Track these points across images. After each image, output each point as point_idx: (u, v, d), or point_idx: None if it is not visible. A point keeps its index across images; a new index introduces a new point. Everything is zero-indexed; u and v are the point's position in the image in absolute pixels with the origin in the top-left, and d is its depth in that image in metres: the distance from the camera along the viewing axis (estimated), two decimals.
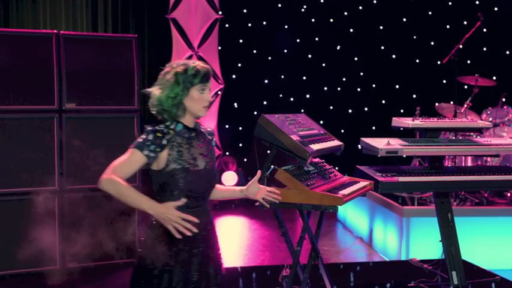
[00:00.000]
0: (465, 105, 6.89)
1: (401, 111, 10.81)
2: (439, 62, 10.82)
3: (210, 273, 2.80)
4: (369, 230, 6.80)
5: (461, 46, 10.62)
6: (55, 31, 5.62)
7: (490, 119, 6.78)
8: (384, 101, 11.00)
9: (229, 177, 8.97)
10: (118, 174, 2.62)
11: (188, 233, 2.53)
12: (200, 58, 10.18)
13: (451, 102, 7.87)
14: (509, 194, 6.41)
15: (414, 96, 10.85)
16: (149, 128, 2.72)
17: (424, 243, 5.78)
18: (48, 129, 5.53)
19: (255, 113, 11.21)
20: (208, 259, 2.81)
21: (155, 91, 2.74)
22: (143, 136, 2.70)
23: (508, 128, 6.78)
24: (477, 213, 5.91)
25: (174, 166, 2.68)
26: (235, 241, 7.22)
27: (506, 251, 5.86)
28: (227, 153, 11.13)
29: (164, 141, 2.68)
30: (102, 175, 2.63)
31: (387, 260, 6.14)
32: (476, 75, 7.06)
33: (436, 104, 7.43)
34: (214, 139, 2.97)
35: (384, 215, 6.32)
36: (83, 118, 5.67)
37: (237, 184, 8.99)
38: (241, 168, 9.21)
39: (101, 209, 5.72)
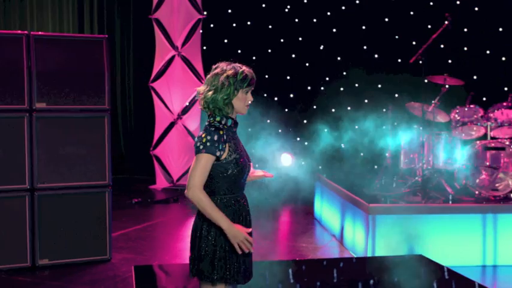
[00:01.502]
0: (433, 104, 6.97)
1: (384, 110, 10.88)
2: (420, 62, 10.91)
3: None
4: (340, 227, 6.89)
5: (442, 46, 10.75)
6: (25, 32, 5.71)
7: (458, 118, 6.86)
8: (366, 100, 11.08)
9: None
10: (201, 184, 2.96)
11: (247, 251, 2.98)
12: (183, 58, 10.29)
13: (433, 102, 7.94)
14: (476, 192, 6.49)
15: (396, 95, 10.92)
16: (212, 128, 2.99)
17: (389, 239, 5.87)
18: (18, 128, 5.61)
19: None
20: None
21: (208, 92, 3.03)
22: (208, 137, 2.97)
23: (477, 126, 6.86)
24: (444, 210, 5.99)
25: (234, 156, 3.02)
26: None
27: (472, 247, 5.94)
28: None
29: (225, 136, 2.99)
30: (189, 188, 2.95)
31: (355, 256, 6.24)
32: (445, 74, 7.14)
33: (407, 103, 7.51)
34: None
35: (352, 213, 6.41)
36: (53, 118, 5.75)
37: None
38: None
39: (71, 206, 5.83)
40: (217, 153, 2.96)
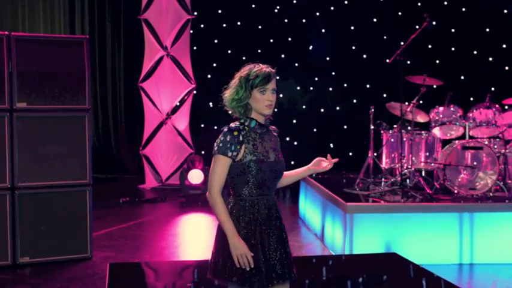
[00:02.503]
0: (411, 104, 7.03)
1: (372, 110, 10.94)
2: (408, 62, 10.99)
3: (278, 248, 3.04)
4: (321, 226, 6.96)
5: (430, 46, 10.82)
6: (6, 32, 5.77)
7: (437, 117, 6.91)
8: (355, 100, 11.15)
9: (195, 175, 9.13)
10: (219, 185, 2.98)
11: (243, 267, 2.92)
12: (172, 58, 10.36)
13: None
14: (455, 191, 6.54)
15: (385, 95, 10.99)
16: (225, 130, 2.98)
17: (367, 238, 5.93)
18: None
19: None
20: (278, 236, 3.06)
21: (226, 93, 3.04)
22: (222, 138, 2.96)
23: (456, 126, 6.91)
24: (421, 209, 6.04)
25: (250, 158, 2.96)
26: (201, 236, 7.44)
27: (449, 246, 6.00)
28: (203, 152, 11.29)
29: (240, 137, 2.96)
30: (208, 190, 3.00)
31: (333, 254, 6.30)
32: (424, 74, 7.20)
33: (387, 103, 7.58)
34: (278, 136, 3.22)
35: (332, 212, 6.47)
36: (34, 117, 5.81)
37: (203, 182, 9.13)
38: (208, 167, 9.35)
39: (52, 205, 5.90)
40: (229, 154, 2.94)
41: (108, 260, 6.04)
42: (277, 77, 3.06)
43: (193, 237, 7.42)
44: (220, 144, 2.93)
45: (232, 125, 3.00)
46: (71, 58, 5.92)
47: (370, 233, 5.96)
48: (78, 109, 5.97)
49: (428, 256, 5.90)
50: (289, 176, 3.27)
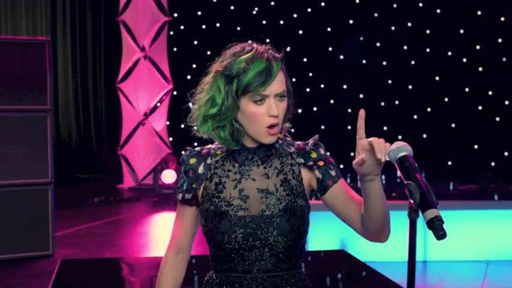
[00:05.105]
0: None
1: (349, 111, 11.08)
2: (384, 63, 11.11)
3: None
4: None
5: (405, 47, 10.93)
6: None
7: None
8: (332, 101, 11.27)
9: (168, 175, 9.25)
10: (174, 244, 1.97)
11: None
12: (150, 60, 10.49)
13: None
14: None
15: (361, 96, 11.12)
16: (183, 153, 1.89)
17: (321, 236, 6.06)
18: None
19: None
20: None
21: (192, 105, 1.81)
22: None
23: None
24: None
25: (206, 206, 1.78)
26: (168, 235, 7.54)
27: (403, 243, 6.10)
28: (183, 153, 11.41)
29: (200, 169, 1.81)
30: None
31: None
32: None
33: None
34: (316, 162, 1.86)
35: None
36: None
37: (176, 182, 9.25)
38: (180, 166, 9.45)
39: (14, 204, 6.03)
40: (179, 197, 1.86)
41: (69, 257, 6.17)
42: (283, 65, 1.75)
43: (161, 235, 7.53)
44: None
45: (208, 146, 1.89)
46: (33, 59, 6.04)
47: (325, 231, 6.09)
48: (40, 109, 6.09)
49: (383, 254, 6.03)
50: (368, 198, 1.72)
